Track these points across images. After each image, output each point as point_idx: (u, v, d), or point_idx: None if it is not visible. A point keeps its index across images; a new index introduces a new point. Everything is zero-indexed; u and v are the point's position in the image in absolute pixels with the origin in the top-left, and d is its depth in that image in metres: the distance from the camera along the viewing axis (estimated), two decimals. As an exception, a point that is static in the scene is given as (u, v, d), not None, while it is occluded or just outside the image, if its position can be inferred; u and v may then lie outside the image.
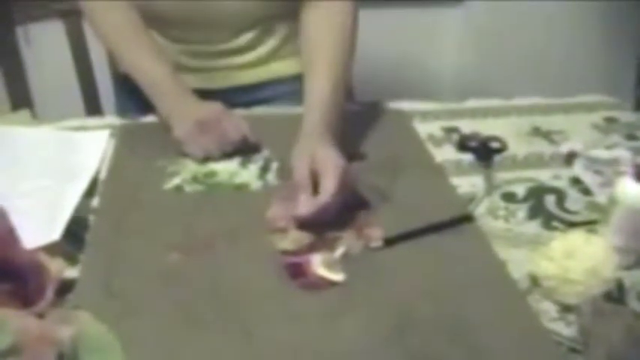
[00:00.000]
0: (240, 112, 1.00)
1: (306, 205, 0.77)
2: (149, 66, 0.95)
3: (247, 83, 1.08)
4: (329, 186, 0.77)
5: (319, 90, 0.89)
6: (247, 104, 1.05)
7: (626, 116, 1.08)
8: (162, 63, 0.95)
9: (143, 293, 0.71)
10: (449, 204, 0.86)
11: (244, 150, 0.93)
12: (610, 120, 1.07)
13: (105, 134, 0.98)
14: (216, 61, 1.06)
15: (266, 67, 1.08)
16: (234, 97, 1.04)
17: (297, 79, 1.02)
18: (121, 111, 1.12)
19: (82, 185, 0.85)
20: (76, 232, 0.79)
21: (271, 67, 1.08)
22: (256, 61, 1.07)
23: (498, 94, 1.12)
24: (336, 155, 0.81)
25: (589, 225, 0.80)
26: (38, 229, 0.74)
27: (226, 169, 0.92)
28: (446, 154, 0.98)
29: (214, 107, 0.93)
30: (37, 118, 1.05)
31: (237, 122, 0.93)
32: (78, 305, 0.67)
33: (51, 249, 0.72)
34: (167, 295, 0.71)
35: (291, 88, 1.07)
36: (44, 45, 1.46)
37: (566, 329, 0.68)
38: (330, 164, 0.79)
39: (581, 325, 0.68)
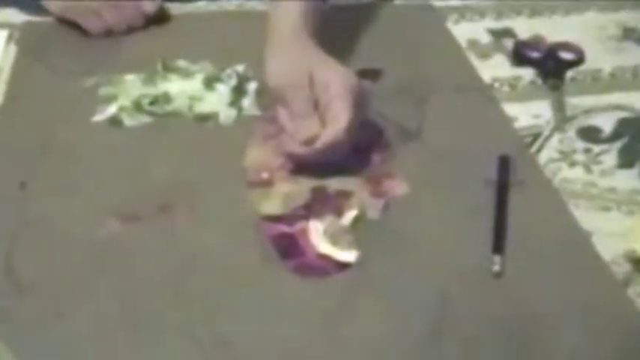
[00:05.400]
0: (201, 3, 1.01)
1: (308, 138, 0.75)
2: None
3: None
4: (341, 113, 0.74)
5: None
6: None
7: None
8: None
9: (67, 281, 0.67)
10: (502, 143, 0.81)
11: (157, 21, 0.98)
12: None
13: (1, 37, 0.95)
14: None
15: None
16: None
17: None
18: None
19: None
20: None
21: None
22: None
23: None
24: (344, 70, 0.78)
25: None
26: None
27: (184, 91, 0.88)
28: (496, 69, 0.94)
29: None
30: None
31: None
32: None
33: None
34: (102, 283, 0.67)
35: None
36: None
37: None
38: (340, 84, 0.76)
39: None
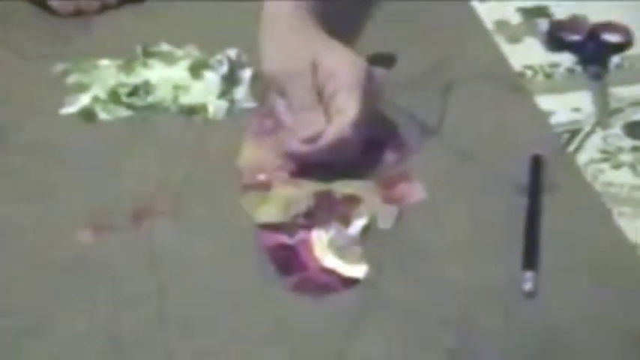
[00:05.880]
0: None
1: (311, 135, 0.75)
2: None
3: None
4: (348, 106, 0.75)
5: None
6: None
7: None
8: None
9: (33, 300, 0.68)
10: (535, 141, 0.81)
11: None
12: None
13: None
14: None
15: None
16: None
17: None
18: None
19: None
20: None
21: None
22: None
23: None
24: (351, 56, 0.78)
25: None
26: None
27: (167, 79, 0.89)
28: (528, 55, 0.93)
29: None
30: None
31: None
32: None
33: None
34: (73, 302, 0.67)
35: None
36: None
37: None
38: (347, 71, 0.76)
39: None
